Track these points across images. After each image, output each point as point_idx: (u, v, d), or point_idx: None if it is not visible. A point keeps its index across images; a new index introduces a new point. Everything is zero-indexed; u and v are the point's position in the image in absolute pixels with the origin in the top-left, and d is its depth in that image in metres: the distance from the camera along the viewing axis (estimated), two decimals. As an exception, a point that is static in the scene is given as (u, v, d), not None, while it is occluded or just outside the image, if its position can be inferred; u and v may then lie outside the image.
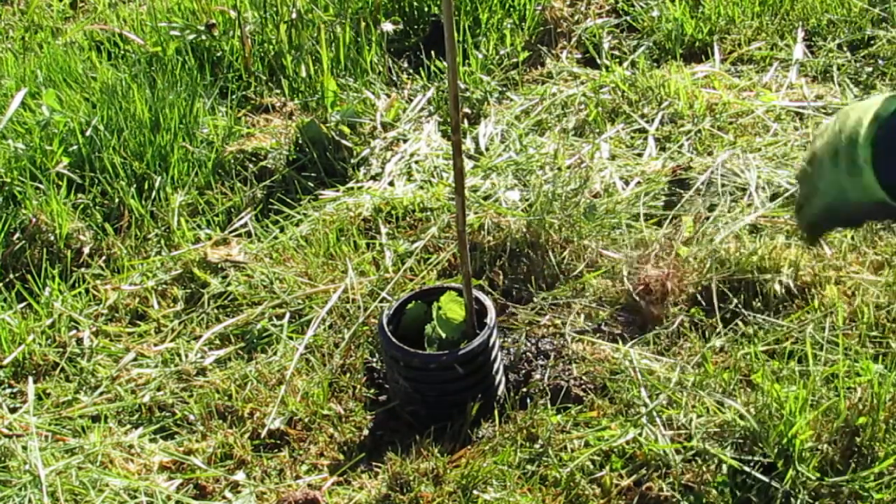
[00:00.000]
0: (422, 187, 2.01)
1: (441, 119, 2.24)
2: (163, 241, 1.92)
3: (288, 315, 1.72)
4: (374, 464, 1.45)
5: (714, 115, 2.19)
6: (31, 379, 1.63)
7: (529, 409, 1.51)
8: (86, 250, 1.89)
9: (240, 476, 1.45)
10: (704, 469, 1.43)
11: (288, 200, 2.01)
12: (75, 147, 2.07)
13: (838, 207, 1.19)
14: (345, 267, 1.80)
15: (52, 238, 1.89)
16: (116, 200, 2.00)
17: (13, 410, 1.58)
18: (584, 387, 1.56)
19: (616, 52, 2.45)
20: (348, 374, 1.60)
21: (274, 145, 2.15)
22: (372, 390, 1.58)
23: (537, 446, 1.47)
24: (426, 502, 1.38)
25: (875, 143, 1.10)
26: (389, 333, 1.50)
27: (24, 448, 1.47)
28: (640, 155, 2.11)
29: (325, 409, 1.54)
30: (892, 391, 1.47)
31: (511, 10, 2.59)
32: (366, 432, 1.51)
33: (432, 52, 2.42)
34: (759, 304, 1.66)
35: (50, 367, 1.67)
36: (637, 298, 1.70)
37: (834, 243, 1.76)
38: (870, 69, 2.30)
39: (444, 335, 1.53)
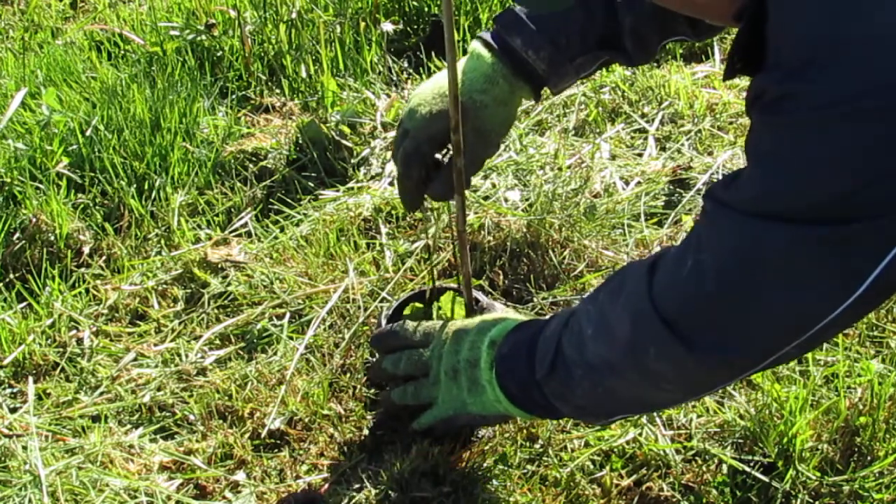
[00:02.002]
0: (422, 187, 2.01)
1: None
2: (163, 241, 1.92)
3: (288, 315, 1.72)
4: (374, 464, 1.45)
5: (714, 115, 2.19)
6: (31, 379, 1.63)
7: (529, 409, 1.51)
8: (86, 250, 1.89)
9: (240, 476, 1.45)
10: (704, 469, 1.43)
11: (288, 200, 2.01)
12: (75, 147, 2.07)
13: (456, 418, 1.41)
14: (345, 267, 1.80)
15: (52, 238, 1.89)
16: (116, 200, 2.00)
17: (13, 410, 1.58)
18: (584, 387, 1.56)
19: (616, 52, 2.45)
20: (348, 374, 1.60)
21: (274, 145, 2.15)
22: (372, 390, 1.58)
23: (537, 446, 1.47)
24: (426, 502, 1.38)
25: (495, 365, 1.33)
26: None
27: (24, 448, 1.47)
28: (640, 155, 2.11)
29: (325, 409, 1.54)
30: (892, 391, 1.47)
31: (511, 10, 2.58)
32: (366, 432, 1.51)
33: (432, 52, 2.42)
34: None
35: (50, 367, 1.67)
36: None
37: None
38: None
39: (444, 335, 1.53)
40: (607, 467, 1.43)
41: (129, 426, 1.55)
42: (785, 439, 1.42)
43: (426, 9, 2.59)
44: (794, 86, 0.92)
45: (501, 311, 1.54)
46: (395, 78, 2.40)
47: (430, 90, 1.48)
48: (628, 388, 1.19)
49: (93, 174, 2.04)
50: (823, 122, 0.91)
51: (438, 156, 1.49)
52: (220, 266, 1.84)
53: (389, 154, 2.13)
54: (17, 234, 1.90)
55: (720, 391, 1.52)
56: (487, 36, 1.47)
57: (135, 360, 1.67)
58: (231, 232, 1.94)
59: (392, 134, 2.18)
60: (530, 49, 1.43)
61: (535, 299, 1.73)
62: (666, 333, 1.07)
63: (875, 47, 0.87)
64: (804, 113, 0.92)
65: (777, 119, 0.96)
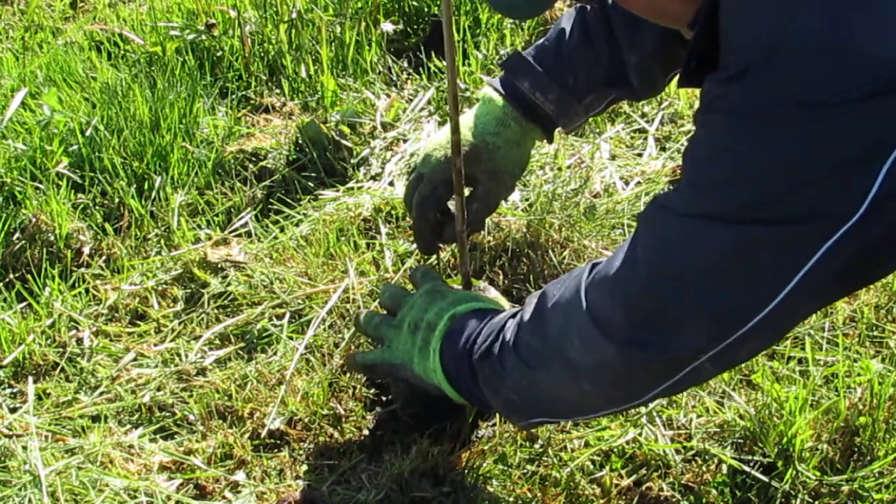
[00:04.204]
0: (422, 187, 2.01)
1: (441, 119, 2.24)
2: (163, 241, 1.92)
3: (288, 315, 1.72)
4: (374, 464, 1.45)
5: (714, 115, 2.19)
6: (31, 379, 1.63)
7: (529, 409, 1.51)
8: (86, 250, 1.89)
9: (240, 476, 1.45)
10: (704, 469, 1.43)
11: (288, 200, 2.01)
12: (75, 147, 2.07)
13: (401, 369, 1.41)
14: (345, 267, 1.80)
15: (52, 238, 1.89)
16: (116, 200, 2.00)
17: (13, 410, 1.58)
18: (584, 387, 1.56)
19: (616, 52, 2.45)
20: (348, 375, 1.60)
21: (274, 145, 2.15)
22: (372, 391, 1.58)
23: (537, 446, 1.47)
24: (426, 502, 1.38)
25: (444, 338, 1.35)
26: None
27: (24, 448, 1.47)
28: (640, 155, 2.11)
29: (325, 409, 1.54)
30: (892, 391, 1.47)
31: (511, 10, 2.58)
32: (366, 432, 1.51)
33: (432, 52, 2.42)
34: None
35: (50, 367, 1.67)
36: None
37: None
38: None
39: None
40: (607, 467, 1.43)
41: (128, 426, 1.55)
42: (785, 439, 1.42)
43: (426, 9, 2.59)
44: (730, 88, 0.96)
45: (494, 296, 1.55)
46: (395, 78, 2.40)
47: (443, 136, 1.51)
48: (552, 384, 1.20)
49: (93, 174, 2.04)
50: (752, 126, 0.94)
51: (451, 204, 1.51)
52: (219, 266, 1.84)
53: (389, 154, 2.14)
54: (17, 234, 1.90)
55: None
56: (497, 83, 1.50)
57: (135, 360, 1.67)
58: (231, 232, 1.94)
59: (392, 134, 2.18)
60: (538, 91, 1.46)
61: (534, 299, 1.73)
62: (590, 323, 1.10)
63: (804, 57, 0.91)
64: (733, 115, 0.96)
65: (710, 118, 1.00)
